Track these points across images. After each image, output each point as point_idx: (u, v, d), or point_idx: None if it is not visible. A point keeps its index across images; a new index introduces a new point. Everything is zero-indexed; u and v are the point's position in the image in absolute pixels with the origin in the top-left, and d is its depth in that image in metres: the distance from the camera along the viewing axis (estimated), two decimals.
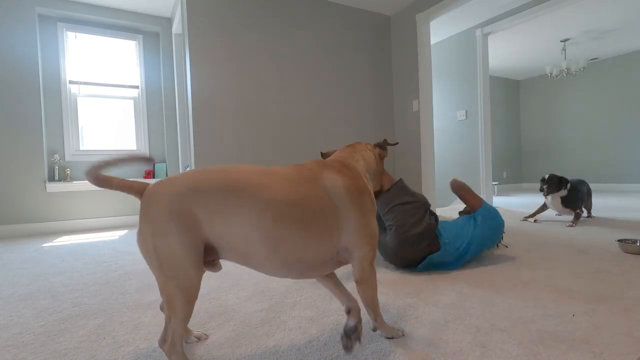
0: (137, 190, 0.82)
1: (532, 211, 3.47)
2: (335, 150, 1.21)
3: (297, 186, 0.88)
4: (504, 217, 3.37)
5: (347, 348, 0.92)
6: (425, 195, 3.81)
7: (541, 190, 2.97)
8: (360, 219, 0.93)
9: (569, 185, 2.94)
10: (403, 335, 1.05)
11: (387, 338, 1.05)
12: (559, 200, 2.96)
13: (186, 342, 1.05)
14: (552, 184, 2.92)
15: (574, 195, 2.94)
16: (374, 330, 1.06)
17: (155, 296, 1.51)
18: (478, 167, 4.36)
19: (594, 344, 0.99)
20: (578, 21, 4.64)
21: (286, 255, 0.86)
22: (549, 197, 3.01)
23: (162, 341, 0.90)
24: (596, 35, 5.20)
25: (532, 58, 6.18)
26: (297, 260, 0.87)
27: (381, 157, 1.22)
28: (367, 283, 0.97)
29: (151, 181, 3.92)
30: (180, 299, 0.80)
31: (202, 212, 0.80)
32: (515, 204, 4.53)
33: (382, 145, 1.23)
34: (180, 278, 0.80)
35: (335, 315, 1.24)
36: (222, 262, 2.06)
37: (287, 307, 1.34)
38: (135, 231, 3.40)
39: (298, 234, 0.85)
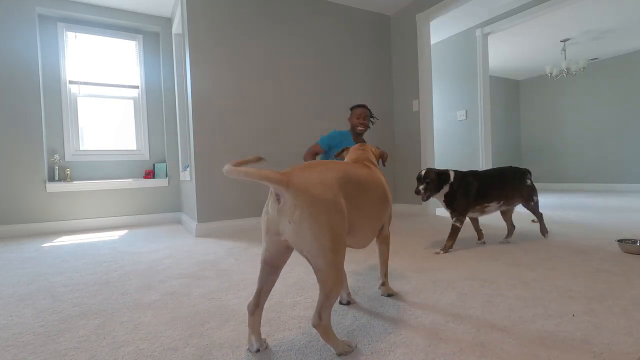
0: (279, 181, 0.89)
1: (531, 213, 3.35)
2: (347, 149, 1.51)
3: (376, 179, 1.21)
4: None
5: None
6: None
7: (417, 193, 2.14)
8: (391, 201, 1.31)
9: (451, 179, 2.17)
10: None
11: (387, 295, 1.40)
12: (444, 200, 2.21)
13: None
14: (431, 182, 2.12)
15: (458, 192, 2.15)
16: (382, 285, 1.41)
17: (155, 296, 1.51)
18: (478, 167, 4.35)
19: (594, 344, 0.99)
20: (578, 21, 4.63)
21: (374, 227, 1.18)
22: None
23: (318, 319, 0.93)
24: (596, 35, 5.20)
25: (532, 58, 6.18)
26: (375, 230, 1.20)
27: (382, 158, 1.56)
28: (387, 242, 1.36)
29: (157, 181, 3.92)
30: (342, 272, 0.96)
31: (348, 200, 1.01)
32: None
33: (383, 158, 1.56)
34: (344, 253, 0.95)
35: (335, 315, 1.24)
36: (223, 262, 2.06)
37: (287, 307, 1.33)
38: (135, 231, 3.40)
39: (383, 210, 1.22)
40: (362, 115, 2.69)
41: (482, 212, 2.25)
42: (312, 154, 2.74)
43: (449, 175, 2.16)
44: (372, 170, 1.25)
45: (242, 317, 1.26)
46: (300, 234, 0.88)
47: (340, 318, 1.22)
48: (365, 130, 2.74)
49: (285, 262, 1.02)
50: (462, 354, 0.96)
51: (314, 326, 0.93)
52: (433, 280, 1.58)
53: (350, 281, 1.62)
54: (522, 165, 7.72)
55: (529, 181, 2.31)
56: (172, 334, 1.14)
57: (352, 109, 2.78)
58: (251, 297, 1.02)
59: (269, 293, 1.03)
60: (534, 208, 2.34)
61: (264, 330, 1.14)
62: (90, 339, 1.14)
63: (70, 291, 1.62)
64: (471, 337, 1.05)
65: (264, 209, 0.97)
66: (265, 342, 1.04)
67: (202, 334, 1.14)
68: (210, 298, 1.46)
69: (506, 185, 2.23)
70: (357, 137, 2.77)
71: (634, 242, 2.00)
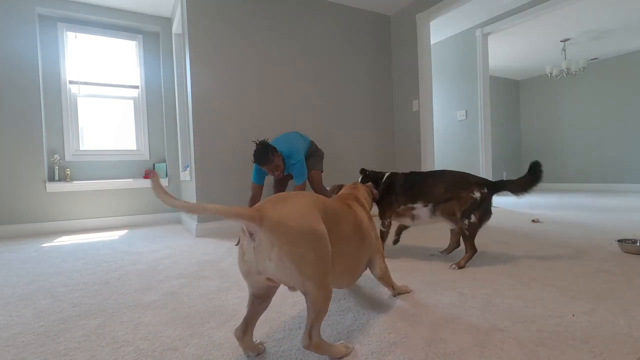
0: (251, 217, 0.82)
1: (531, 213, 3.36)
2: (340, 186, 1.63)
3: (351, 215, 1.19)
4: (504, 217, 3.37)
5: None
6: None
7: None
8: (376, 236, 1.32)
9: (383, 180, 2.04)
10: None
11: (396, 295, 1.41)
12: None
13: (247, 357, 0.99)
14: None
15: (383, 192, 1.99)
16: (394, 295, 1.41)
17: (155, 296, 1.51)
18: (478, 167, 4.35)
19: (594, 344, 0.99)
20: (578, 21, 4.63)
21: (350, 266, 1.13)
22: None
23: (308, 340, 0.90)
24: (596, 35, 5.20)
25: (532, 58, 6.18)
26: (353, 269, 1.16)
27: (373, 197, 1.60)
28: (386, 276, 1.33)
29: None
30: (330, 294, 0.93)
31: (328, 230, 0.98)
32: (515, 204, 4.53)
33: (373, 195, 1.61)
34: (328, 278, 0.92)
35: (335, 315, 1.24)
36: (223, 262, 2.06)
37: (287, 307, 1.34)
38: (135, 231, 3.40)
39: (359, 247, 1.18)
40: (271, 169, 2.49)
41: (412, 217, 1.92)
42: (257, 196, 2.60)
43: (378, 177, 2.00)
44: (351, 207, 1.23)
45: (242, 317, 1.26)
46: (282, 269, 0.83)
47: (340, 318, 1.22)
48: (280, 173, 2.55)
49: (273, 294, 1.00)
50: (462, 354, 0.96)
51: (305, 347, 0.90)
52: (433, 280, 1.58)
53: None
54: (522, 165, 7.72)
55: (477, 194, 1.77)
56: (172, 334, 1.14)
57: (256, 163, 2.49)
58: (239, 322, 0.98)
59: (258, 318, 0.99)
60: (463, 229, 1.78)
61: (264, 330, 1.14)
62: (90, 339, 1.14)
63: (70, 291, 1.62)
64: (471, 337, 1.05)
65: (239, 254, 0.91)
66: (262, 345, 1.02)
67: (202, 334, 1.14)
68: (210, 298, 1.46)
69: (440, 186, 1.85)
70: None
71: (634, 242, 2.00)
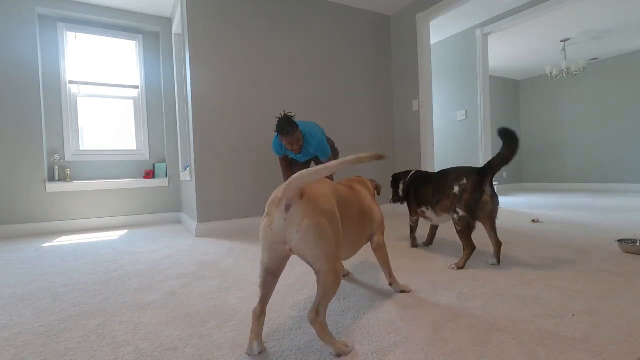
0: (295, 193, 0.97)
1: (531, 213, 3.40)
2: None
3: (358, 198, 1.33)
4: (504, 217, 3.38)
5: None
6: None
7: (396, 200, 2.23)
8: (379, 213, 1.45)
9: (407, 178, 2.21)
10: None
11: (400, 292, 1.46)
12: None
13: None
14: (393, 184, 2.28)
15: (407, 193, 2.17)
16: (390, 285, 1.47)
17: (155, 296, 1.51)
18: (478, 167, 4.35)
19: (594, 344, 0.99)
20: (578, 21, 4.64)
21: (354, 241, 1.26)
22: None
23: (315, 314, 0.96)
24: (596, 35, 5.20)
25: (532, 58, 6.18)
26: (355, 244, 1.29)
27: (377, 190, 1.67)
28: (382, 249, 1.44)
29: (157, 181, 3.92)
30: (339, 279, 1.00)
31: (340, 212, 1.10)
32: (515, 204, 4.53)
33: (378, 190, 1.69)
34: (339, 262, 1.01)
35: (335, 315, 1.25)
36: (223, 262, 2.06)
37: (287, 307, 1.34)
38: (135, 231, 3.40)
39: (363, 226, 1.31)
40: (290, 143, 2.46)
41: (427, 218, 2.03)
42: (280, 160, 2.74)
43: (401, 176, 2.18)
44: (357, 192, 1.36)
45: (242, 317, 1.26)
46: (306, 239, 0.94)
47: (340, 318, 1.22)
48: (299, 149, 2.53)
49: (283, 269, 1.07)
50: (462, 354, 0.96)
51: (311, 322, 0.96)
52: (433, 280, 1.58)
53: (350, 282, 1.62)
54: (522, 165, 7.72)
55: (455, 188, 1.79)
56: (172, 334, 1.14)
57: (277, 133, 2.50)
58: (255, 302, 1.05)
59: (270, 296, 1.07)
60: (455, 225, 1.78)
61: (264, 330, 1.14)
62: (90, 339, 1.14)
63: (70, 291, 1.62)
64: (471, 337, 1.05)
65: (265, 224, 0.99)
66: (263, 344, 1.04)
67: (202, 334, 1.14)
68: (210, 298, 1.46)
69: (429, 190, 1.95)
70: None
71: (634, 242, 2.00)
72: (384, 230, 1.47)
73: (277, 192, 1.00)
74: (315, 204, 0.97)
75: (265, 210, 1.01)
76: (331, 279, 0.96)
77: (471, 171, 1.81)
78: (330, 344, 0.97)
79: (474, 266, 1.79)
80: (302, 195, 0.96)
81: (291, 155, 2.71)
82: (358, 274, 1.72)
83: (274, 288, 1.06)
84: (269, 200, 1.01)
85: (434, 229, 2.24)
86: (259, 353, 1.01)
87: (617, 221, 2.97)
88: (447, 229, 2.82)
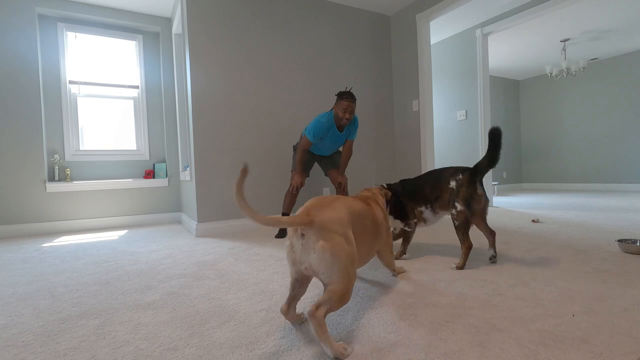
0: (305, 223, 1.08)
1: (531, 213, 3.35)
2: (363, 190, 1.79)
3: (371, 215, 1.44)
4: (504, 217, 3.38)
5: None
6: None
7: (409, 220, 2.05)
8: (387, 230, 1.59)
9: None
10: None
11: (395, 275, 1.69)
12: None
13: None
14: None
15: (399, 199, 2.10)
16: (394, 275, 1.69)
17: (155, 296, 1.51)
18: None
19: (593, 344, 0.99)
20: (578, 21, 4.63)
21: (366, 252, 1.37)
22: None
23: (314, 309, 1.00)
24: (596, 35, 5.20)
25: (532, 58, 6.18)
26: (366, 255, 1.39)
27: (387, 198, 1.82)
28: (390, 265, 1.65)
29: (157, 181, 3.92)
30: (348, 297, 1.08)
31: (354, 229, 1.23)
32: (515, 204, 4.53)
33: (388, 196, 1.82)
34: (354, 275, 1.12)
35: (335, 315, 1.25)
36: (223, 262, 2.07)
37: None
38: (135, 231, 3.40)
39: (374, 238, 1.45)
40: (349, 109, 2.64)
41: (425, 220, 2.02)
42: (304, 150, 2.77)
43: (393, 190, 2.07)
44: (371, 208, 1.50)
45: (242, 317, 1.26)
46: (321, 260, 1.05)
47: (340, 318, 1.22)
48: (348, 121, 2.70)
49: (310, 281, 1.21)
50: (462, 354, 0.96)
51: (309, 314, 0.98)
52: (433, 280, 1.58)
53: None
54: (522, 165, 7.72)
55: (452, 183, 1.85)
56: (172, 334, 1.14)
57: (340, 98, 2.67)
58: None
59: (299, 299, 1.20)
60: (453, 220, 1.82)
61: (264, 330, 1.15)
62: (90, 339, 1.14)
63: (70, 291, 1.62)
64: (471, 337, 1.05)
65: (288, 247, 1.14)
66: (303, 315, 1.21)
67: (202, 334, 1.14)
68: (210, 298, 1.46)
69: (427, 187, 1.98)
70: (341, 127, 2.79)
71: (634, 242, 2.00)
72: (391, 244, 1.64)
73: (292, 230, 1.15)
74: (325, 230, 1.08)
75: (288, 236, 1.16)
76: (340, 294, 1.04)
77: (464, 168, 1.90)
78: (327, 343, 0.97)
79: (474, 266, 1.79)
80: (311, 223, 1.07)
81: (318, 150, 2.85)
82: (358, 274, 1.72)
83: (303, 293, 1.20)
84: (288, 233, 1.16)
85: (407, 239, 2.12)
86: (301, 323, 1.20)
87: (617, 221, 2.97)
88: (447, 229, 2.82)
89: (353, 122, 2.80)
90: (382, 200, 1.68)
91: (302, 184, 2.83)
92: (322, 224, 1.09)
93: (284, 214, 2.86)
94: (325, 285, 1.06)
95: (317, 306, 1.00)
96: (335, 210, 1.17)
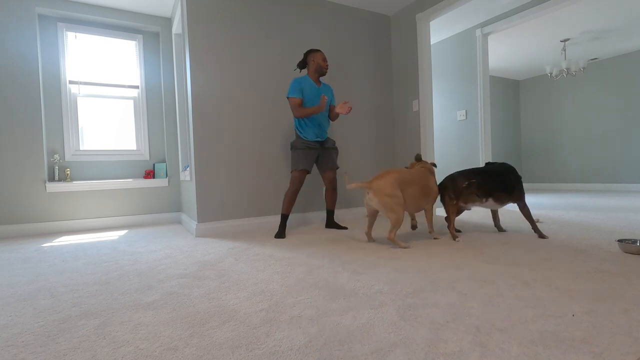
0: (368, 187, 2.29)
1: (531, 213, 3.39)
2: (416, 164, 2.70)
3: (422, 178, 2.41)
4: (504, 217, 3.38)
5: None
6: None
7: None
8: (435, 194, 2.49)
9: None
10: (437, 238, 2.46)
11: (434, 239, 2.48)
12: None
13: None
14: None
15: None
16: (430, 232, 2.52)
17: (155, 296, 1.51)
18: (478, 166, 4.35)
19: (594, 344, 0.99)
20: (578, 21, 4.64)
21: (417, 204, 2.37)
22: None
23: (390, 234, 2.24)
24: (596, 35, 5.20)
25: (532, 58, 6.18)
26: (417, 206, 2.38)
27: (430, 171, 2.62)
28: (430, 212, 2.49)
29: (157, 181, 3.92)
30: (400, 219, 2.22)
31: (402, 189, 2.29)
32: (515, 204, 4.52)
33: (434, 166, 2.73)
34: (400, 211, 2.23)
35: (335, 315, 1.25)
36: (223, 262, 2.07)
37: (287, 307, 1.34)
38: (135, 231, 3.41)
39: (424, 195, 2.41)
40: (324, 57, 2.92)
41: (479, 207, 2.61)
42: (299, 107, 2.83)
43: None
44: (425, 173, 2.42)
45: (242, 317, 1.26)
46: (377, 205, 2.24)
47: (340, 318, 1.22)
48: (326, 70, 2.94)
49: (377, 215, 2.46)
50: (462, 354, 0.96)
51: (388, 238, 2.25)
52: (433, 280, 1.58)
53: (350, 281, 1.62)
54: (522, 165, 7.72)
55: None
56: (172, 334, 1.14)
57: (313, 52, 2.91)
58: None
59: (373, 225, 2.42)
60: (525, 209, 2.52)
61: (264, 330, 1.15)
62: (90, 339, 1.14)
63: (70, 291, 1.62)
64: (471, 337, 1.05)
65: (366, 197, 2.31)
66: (372, 238, 2.47)
67: (202, 334, 1.14)
68: (210, 298, 1.46)
69: (496, 181, 2.53)
70: (317, 81, 2.95)
71: (634, 242, 2.00)
72: (435, 200, 2.48)
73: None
74: (378, 191, 2.23)
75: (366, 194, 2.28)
76: (393, 219, 2.20)
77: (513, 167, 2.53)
78: (399, 246, 2.23)
79: (474, 266, 1.79)
80: (370, 187, 2.26)
81: (312, 102, 2.91)
82: (358, 274, 1.72)
83: (374, 222, 2.43)
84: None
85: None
86: (374, 241, 2.42)
87: (617, 221, 2.97)
88: (447, 229, 2.82)
89: (328, 89, 3.02)
90: (434, 171, 2.52)
91: (301, 183, 2.87)
92: (375, 188, 2.24)
93: (283, 216, 2.87)
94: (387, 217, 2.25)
95: (389, 232, 2.23)
96: (383, 179, 2.24)
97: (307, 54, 2.93)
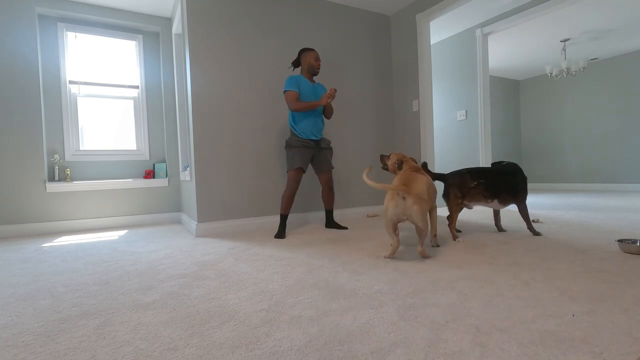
0: (406, 191, 1.93)
1: (532, 213, 3.38)
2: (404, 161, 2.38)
3: (431, 182, 2.15)
4: (504, 217, 3.37)
5: None
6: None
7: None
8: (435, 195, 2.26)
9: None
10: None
11: (436, 246, 2.27)
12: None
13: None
14: None
15: None
16: (434, 236, 2.31)
17: (155, 296, 1.51)
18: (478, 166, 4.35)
19: (594, 344, 0.99)
20: (578, 21, 4.63)
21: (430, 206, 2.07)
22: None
23: (420, 247, 1.98)
24: (596, 35, 5.20)
25: (532, 58, 6.18)
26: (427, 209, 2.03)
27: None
28: (435, 216, 2.27)
29: (157, 181, 3.92)
30: (428, 227, 1.97)
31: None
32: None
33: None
34: (427, 219, 1.97)
35: (335, 315, 1.25)
36: (223, 262, 2.07)
37: (287, 307, 1.34)
38: (135, 231, 3.41)
39: (432, 200, 2.13)
40: (318, 57, 2.92)
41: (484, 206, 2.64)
42: (296, 100, 2.80)
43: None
44: (427, 176, 2.15)
45: (242, 317, 1.26)
46: (415, 214, 1.89)
47: (340, 318, 1.22)
48: (318, 69, 2.96)
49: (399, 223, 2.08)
50: (462, 354, 0.96)
51: (419, 253, 1.97)
52: (433, 280, 1.58)
53: (350, 281, 1.62)
54: (522, 165, 7.72)
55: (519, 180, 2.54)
56: (172, 334, 1.14)
57: (307, 51, 2.92)
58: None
59: (398, 231, 2.01)
60: (525, 210, 2.57)
61: (264, 330, 1.15)
62: (90, 339, 1.14)
63: (70, 291, 1.62)
64: (471, 337, 1.05)
65: (392, 203, 1.93)
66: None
67: (202, 334, 1.14)
68: (210, 298, 1.46)
69: (502, 182, 2.61)
70: (311, 79, 2.95)
71: (634, 242, 2.00)
72: (435, 207, 2.29)
73: (394, 193, 1.95)
74: (417, 198, 1.90)
75: (390, 197, 1.94)
76: (424, 227, 1.91)
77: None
78: (426, 257, 1.99)
79: (474, 266, 1.79)
80: (409, 192, 1.90)
81: (309, 97, 2.87)
82: (358, 274, 1.72)
83: (397, 226, 2.02)
84: (389, 195, 1.96)
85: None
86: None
87: (617, 221, 2.97)
88: (447, 229, 2.82)
89: (322, 88, 3.00)
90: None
91: (298, 182, 2.86)
92: (415, 194, 1.90)
93: (282, 216, 2.86)
94: (416, 225, 1.91)
95: (421, 246, 1.95)
96: (420, 184, 1.97)
97: (301, 52, 2.93)
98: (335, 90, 2.76)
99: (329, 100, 2.76)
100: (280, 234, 2.79)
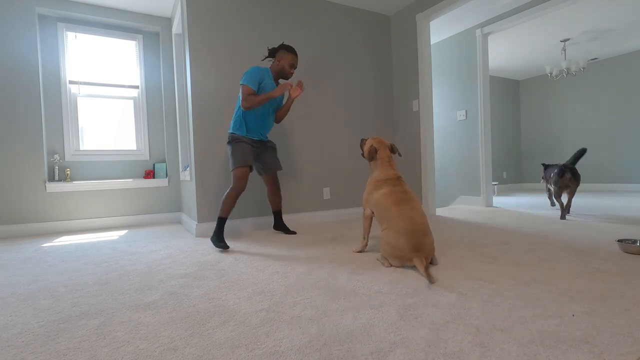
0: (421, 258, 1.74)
1: (532, 213, 3.42)
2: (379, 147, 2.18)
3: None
4: (504, 217, 3.38)
5: None
6: (425, 195, 3.81)
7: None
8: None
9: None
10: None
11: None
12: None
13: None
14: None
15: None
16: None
17: (155, 296, 1.51)
18: (478, 167, 4.36)
19: (594, 344, 0.99)
20: (578, 21, 4.64)
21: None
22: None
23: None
24: (596, 35, 5.20)
25: (532, 58, 6.18)
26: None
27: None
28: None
29: (157, 181, 3.92)
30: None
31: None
32: (515, 204, 4.53)
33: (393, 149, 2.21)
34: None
35: (335, 315, 1.25)
36: (223, 262, 2.07)
37: (287, 307, 1.34)
38: (135, 231, 3.41)
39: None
40: (295, 64, 2.64)
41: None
42: (251, 96, 2.46)
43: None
44: (419, 205, 2.01)
45: (242, 317, 1.26)
46: (431, 251, 1.82)
47: (340, 318, 1.22)
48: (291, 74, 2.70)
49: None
50: (462, 354, 0.96)
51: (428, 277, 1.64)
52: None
53: (350, 281, 1.62)
54: (522, 165, 7.72)
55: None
56: (172, 334, 1.14)
57: (287, 50, 2.62)
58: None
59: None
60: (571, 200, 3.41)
61: (264, 330, 1.15)
62: (90, 339, 1.14)
63: (70, 291, 1.62)
64: (471, 337, 1.05)
65: (417, 261, 1.71)
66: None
67: (202, 334, 1.14)
68: (210, 298, 1.46)
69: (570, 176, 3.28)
70: (277, 79, 2.69)
71: (634, 242, 2.00)
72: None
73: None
74: (432, 247, 1.82)
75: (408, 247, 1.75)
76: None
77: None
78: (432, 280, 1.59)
79: (474, 266, 1.79)
80: (426, 258, 1.75)
81: (267, 79, 2.59)
82: (358, 274, 1.72)
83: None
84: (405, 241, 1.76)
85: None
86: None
87: (617, 221, 2.97)
88: (447, 230, 2.81)
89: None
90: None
91: (247, 180, 2.56)
92: (428, 253, 1.76)
93: (221, 219, 2.50)
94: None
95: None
96: (430, 240, 1.79)
97: (280, 48, 2.64)
98: (302, 83, 2.57)
99: (296, 94, 2.53)
100: (220, 241, 2.40)
